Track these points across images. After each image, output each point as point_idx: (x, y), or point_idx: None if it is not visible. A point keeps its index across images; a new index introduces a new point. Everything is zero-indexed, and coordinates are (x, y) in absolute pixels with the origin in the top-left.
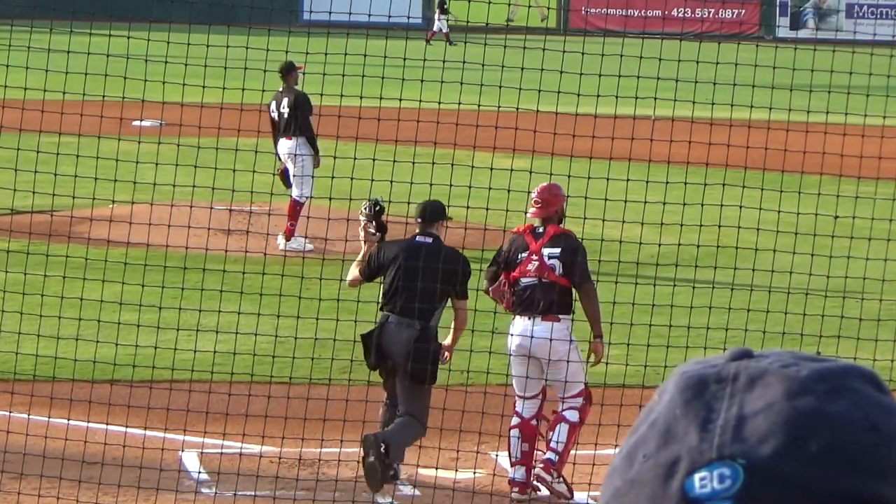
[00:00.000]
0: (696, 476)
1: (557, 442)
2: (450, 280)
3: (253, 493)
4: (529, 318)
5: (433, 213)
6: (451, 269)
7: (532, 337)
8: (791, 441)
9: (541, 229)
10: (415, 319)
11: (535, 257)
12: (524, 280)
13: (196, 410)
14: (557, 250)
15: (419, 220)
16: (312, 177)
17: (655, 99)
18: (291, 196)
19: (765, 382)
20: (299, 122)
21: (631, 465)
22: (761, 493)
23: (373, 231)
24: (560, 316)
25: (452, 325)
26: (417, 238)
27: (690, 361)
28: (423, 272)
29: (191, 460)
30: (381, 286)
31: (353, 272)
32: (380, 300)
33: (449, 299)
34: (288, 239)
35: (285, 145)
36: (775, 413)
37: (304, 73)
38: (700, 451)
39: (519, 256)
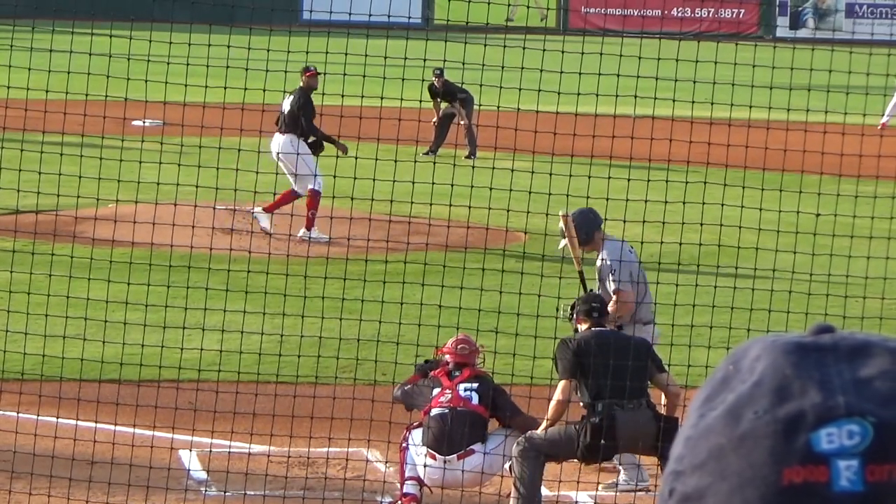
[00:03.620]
0: (823, 431)
1: None
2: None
3: (262, 493)
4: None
5: (605, 309)
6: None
7: (445, 469)
8: None
9: (457, 373)
10: (641, 398)
11: (448, 391)
12: (435, 410)
13: (201, 410)
14: (475, 385)
15: (595, 315)
16: (310, 173)
17: (655, 99)
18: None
19: (870, 352)
20: (288, 119)
21: (737, 422)
22: (887, 452)
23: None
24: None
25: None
26: (596, 330)
27: (767, 335)
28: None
29: (196, 460)
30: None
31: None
32: (589, 397)
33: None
34: (308, 228)
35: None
36: (893, 380)
37: (307, 76)
38: (827, 407)
39: (433, 393)
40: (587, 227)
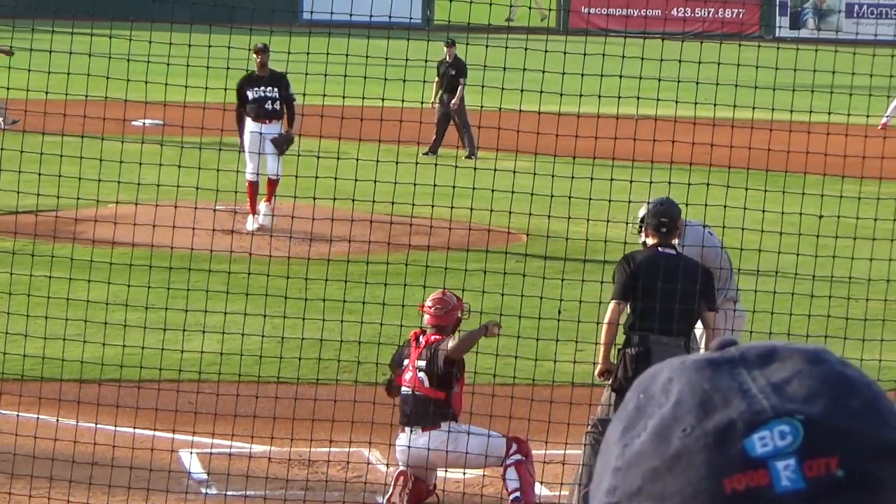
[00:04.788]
0: (755, 436)
1: (510, 480)
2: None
3: (262, 494)
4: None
5: (674, 224)
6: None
7: (409, 447)
8: (836, 398)
9: (422, 338)
10: (681, 337)
11: (410, 368)
12: (403, 389)
13: (202, 412)
14: (424, 363)
15: (663, 230)
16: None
17: (658, 100)
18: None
19: (779, 357)
20: None
21: (667, 442)
22: (820, 447)
23: None
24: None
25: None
26: (662, 252)
27: (673, 360)
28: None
29: (186, 460)
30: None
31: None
32: (631, 319)
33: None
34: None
35: None
36: (808, 377)
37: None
38: (754, 412)
39: (404, 362)
40: (677, 218)
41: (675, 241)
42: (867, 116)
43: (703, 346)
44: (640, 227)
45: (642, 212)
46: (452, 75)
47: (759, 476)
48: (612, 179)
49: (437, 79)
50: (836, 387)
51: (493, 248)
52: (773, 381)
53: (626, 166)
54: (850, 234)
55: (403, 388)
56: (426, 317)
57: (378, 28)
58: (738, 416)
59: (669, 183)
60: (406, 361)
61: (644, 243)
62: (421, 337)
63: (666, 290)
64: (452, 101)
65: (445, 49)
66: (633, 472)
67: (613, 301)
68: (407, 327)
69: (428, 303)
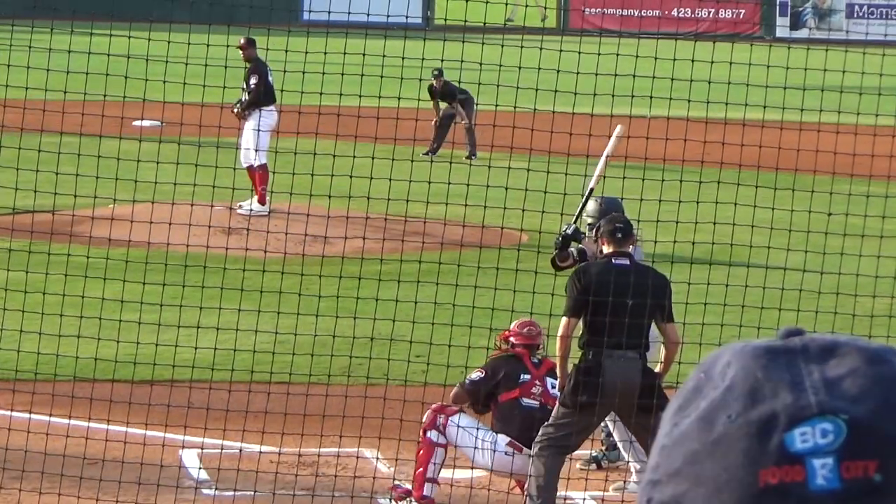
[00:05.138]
0: (797, 431)
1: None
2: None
3: (252, 492)
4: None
5: (630, 230)
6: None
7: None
8: (887, 401)
9: (536, 359)
10: (635, 351)
11: (538, 383)
12: (526, 401)
13: (196, 408)
14: (556, 381)
15: (618, 236)
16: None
17: (670, 99)
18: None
19: (841, 352)
20: None
21: (711, 427)
22: (861, 449)
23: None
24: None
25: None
26: (615, 261)
27: (737, 342)
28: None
29: (191, 459)
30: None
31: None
32: (585, 334)
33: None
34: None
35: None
36: (863, 377)
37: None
38: (799, 407)
39: (521, 377)
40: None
41: (631, 248)
42: (876, 116)
43: (662, 358)
44: (596, 235)
45: (592, 205)
46: (448, 102)
47: (794, 472)
48: (623, 178)
49: (431, 101)
50: (889, 389)
51: (487, 245)
52: (827, 377)
53: (639, 167)
54: (857, 233)
55: (528, 402)
56: (513, 339)
57: (376, 28)
58: (782, 409)
59: (681, 181)
60: (525, 377)
61: (600, 251)
62: (533, 358)
63: (618, 304)
64: (464, 122)
65: (433, 80)
66: (676, 451)
67: (566, 318)
68: (419, 323)
69: (513, 327)
